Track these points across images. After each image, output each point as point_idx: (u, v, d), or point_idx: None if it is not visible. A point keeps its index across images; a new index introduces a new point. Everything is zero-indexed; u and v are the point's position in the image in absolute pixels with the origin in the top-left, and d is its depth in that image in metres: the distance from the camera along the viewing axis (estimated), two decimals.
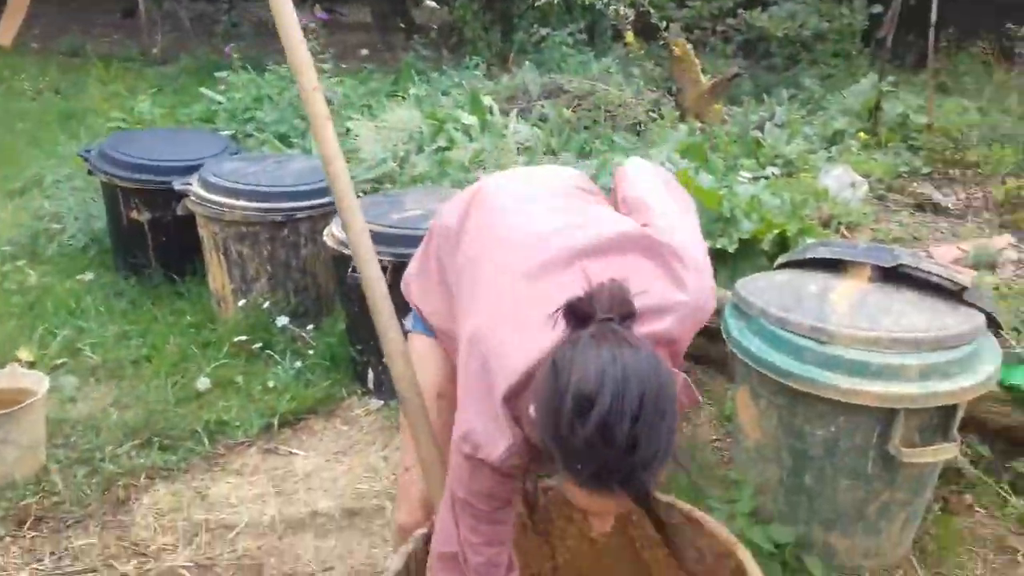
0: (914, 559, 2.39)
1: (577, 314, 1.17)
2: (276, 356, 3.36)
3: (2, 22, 11.22)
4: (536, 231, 1.44)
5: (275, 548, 2.50)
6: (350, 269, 2.99)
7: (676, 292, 1.37)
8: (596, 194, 1.68)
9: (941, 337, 2.04)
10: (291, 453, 2.95)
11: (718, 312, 3.14)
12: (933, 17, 5.62)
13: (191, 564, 2.43)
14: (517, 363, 1.27)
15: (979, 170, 5.44)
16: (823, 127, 5.85)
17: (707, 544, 1.69)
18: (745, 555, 1.59)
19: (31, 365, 3.38)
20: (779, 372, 2.14)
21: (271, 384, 3.22)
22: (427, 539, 1.63)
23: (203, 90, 6.79)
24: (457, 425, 1.39)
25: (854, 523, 2.24)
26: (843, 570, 2.31)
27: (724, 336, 2.36)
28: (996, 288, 3.38)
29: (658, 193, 1.61)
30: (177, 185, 3.53)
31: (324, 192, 3.41)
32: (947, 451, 2.12)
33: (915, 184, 5.14)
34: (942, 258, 3.86)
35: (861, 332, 2.05)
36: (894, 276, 2.22)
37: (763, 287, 2.34)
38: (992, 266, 3.75)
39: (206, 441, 2.95)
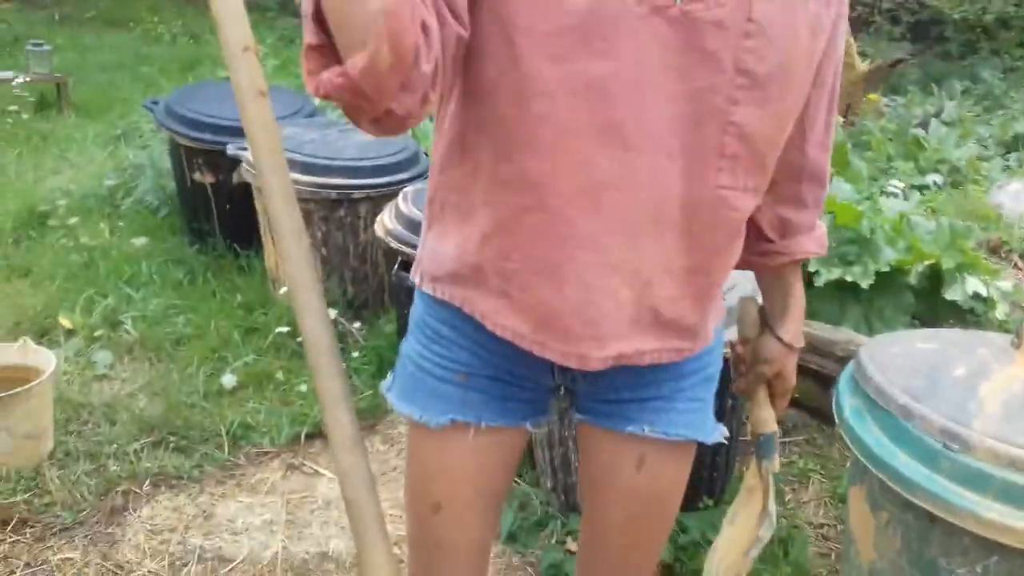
0: None
1: None
2: None
3: None
4: None
5: None
6: (395, 266, 2.56)
7: None
8: None
9: None
10: (316, 472, 2.57)
11: (833, 359, 2.56)
12: None
13: None
14: None
15: None
16: (1002, 129, 5.01)
17: None
18: None
19: (69, 333, 3.15)
20: (902, 481, 1.56)
21: (306, 387, 2.84)
22: None
23: None
24: None
25: None
26: None
27: (835, 416, 1.78)
28: None
29: None
30: (231, 150, 3.18)
31: (390, 170, 2.99)
32: None
33: None
34: None
35: (1009, 448, 1.46)
36: None
37: (896, 356, 1.74)
38: None
39: (226, 447, 2.61)
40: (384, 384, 1.24)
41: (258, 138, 1.09)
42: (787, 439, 2.61)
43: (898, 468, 1.59)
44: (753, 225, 1.17)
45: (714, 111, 0.94)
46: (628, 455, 1.18)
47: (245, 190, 3.36)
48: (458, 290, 1.08)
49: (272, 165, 1.10)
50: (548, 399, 1.21)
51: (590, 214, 0.96)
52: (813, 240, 1.22)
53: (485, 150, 0.98)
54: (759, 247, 1.20)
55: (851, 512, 1.86)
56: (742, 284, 1.92)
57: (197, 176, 3.55)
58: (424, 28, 0.82)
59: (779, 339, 1.26)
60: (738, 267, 1.22)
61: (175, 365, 2.98)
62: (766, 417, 1.36)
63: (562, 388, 1.19)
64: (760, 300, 1.34)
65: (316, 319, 1.10)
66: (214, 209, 3.61)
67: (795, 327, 1.27)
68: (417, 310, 1.18)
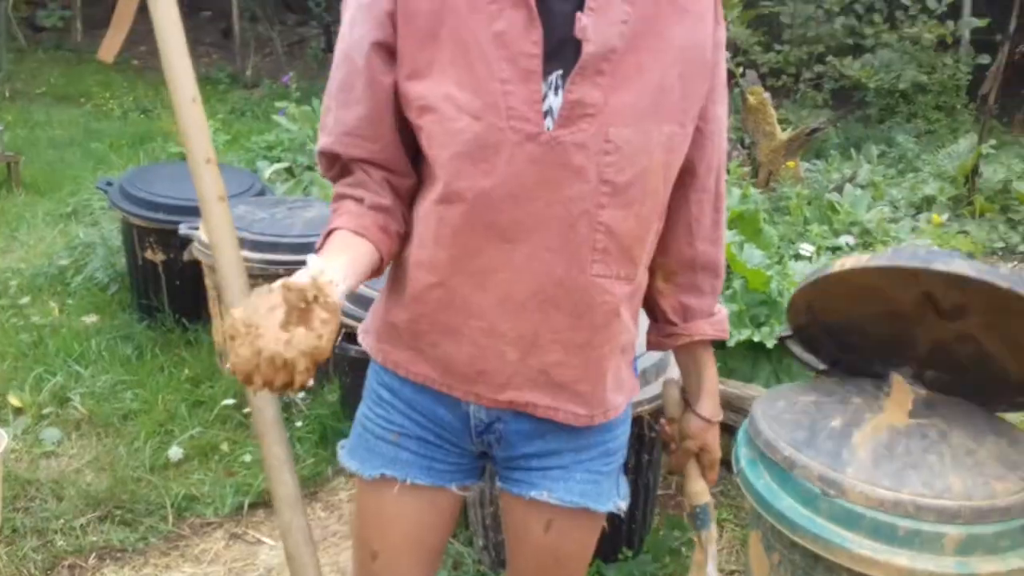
0: None
1: None
2: None
3: (105, 38, 11.56)
4: None
5: None
6: (339, 337, 2.71)
7: None
8: None
9: (983, 509, 1.61)
10: (258, 540, 2.67)
11: (745, 414, 2.75)
12: None
13: None
14: None
15: None
16: (912, 191, 5.34)
17: None
18: None
19: (18, 412, 3.23)
20: (787, 523, 1.75)
21: (251, 457, 2.95)
22: None
23: (276, 117, 6.72)
24: None
25: None
26: None
27: (734, 466, 1.97)
28: None
29: None
30: (182, 230, 3.32)
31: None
32: None
33: (1013, 264, 4.60)
34: None
35: (880, 491, 1.65)
36: (943, 407, 1.80)
37: (782, 410, 1.93)
38: None
39: (171, 518, 2.69)
40: (340, 442, 1.43)
41: (219, 240, 1.33)
42: None
43: (784, 512, 1.77)
44: (660, 310, 1.37)
45: (584, 213, 1.14)
46: (537, 518, 1.34)
47: (194, 267, 3.50)
48: (381, 344, 1.30)
49: (230, 259, 1.33)
50: (475, 464, 1.37)
51: (480, 292, 1.17)
52: (711, 324, 1.37)
53: (411, 239, 1.23)
54: (665, 330, 1.38)
55: (751, 555, 2.02)
56: (673, 369, 2.12)
57: (148, 254, 3.67)
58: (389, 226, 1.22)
59: (698, 415, 1.42)
60: (650, 348, 1.42)
61: (122, 440, 3.06)
62: (699, 490, 1.49)
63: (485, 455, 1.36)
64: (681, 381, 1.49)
65: (265, 399, 1.31)
66: (164, 286, 3.73)
67: (711, 402, 1.42)
68: (368, 377, 1.37)
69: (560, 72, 1.11)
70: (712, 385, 1.43)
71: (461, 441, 1.32)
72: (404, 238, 1.25)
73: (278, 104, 7.01)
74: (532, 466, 1.32)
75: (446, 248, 1.17)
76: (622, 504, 1.37)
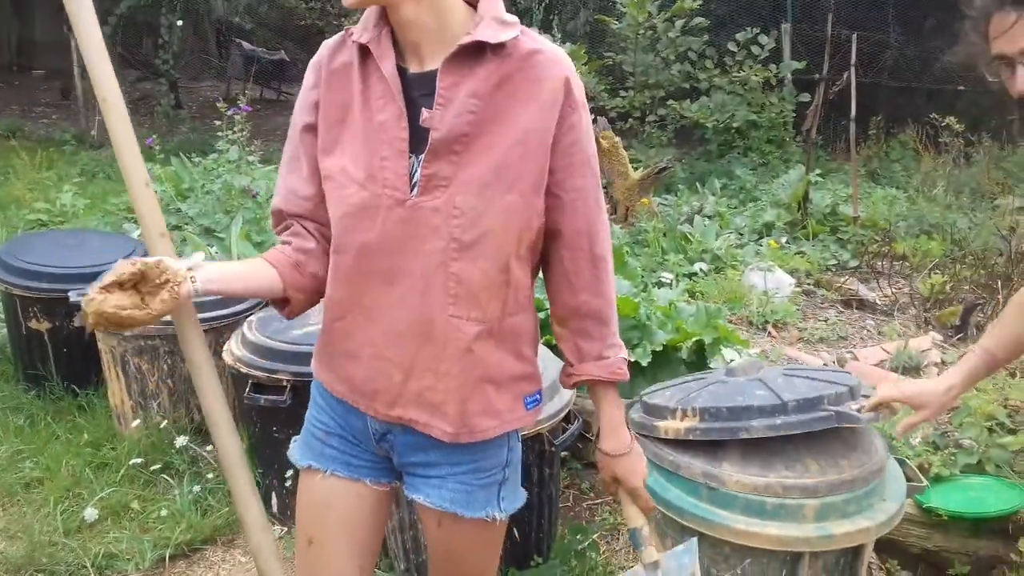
0: None
1: None
2: (174, 480, 3.17)
3: None
4: None
5: None
6: (247, 388, 2.85)
7: None
8: None
9: (835, 483, 1.97)
10: None
11: None
12: (852, 112, 5.75)
13: None
14: None
15: (907, 262, 5.50)
16: (753, 219, 5.89)
17: None
18: None
19: None
20: (675, 510, 2.06)
21: (166, 511, 3.02)
22: None
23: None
24: None
25: None
26: None
27: None
28: None
29: None
30: (73, 296, 3.37)
31: (227, 303, 3.29)
32: None
33: (844, 278, 5.17)
34: (867, 360, 3.83)
35: (751, 478, 1.98)
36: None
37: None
38: (916, 369, 3.72)
39: None
40: (293, 437, 1.68)
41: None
42: (598, 500, 3.08)
43: (670, 500, 2.08)
44: (560, 352, 1.61)
45: (440, 265, 1.40)
46: (430, 515, 1.59)
47: (83, 333, 3.54)
48: (315, 364, 1.60)
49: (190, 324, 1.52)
50: (387, 466, 1.61)
51: (370, 323, 1.46)
52: (599, 367, 1.54)
53: (329, 282, 1.52)
54: (566, 370, 1.61)
55: None
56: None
57: (33, 324, 3.67)
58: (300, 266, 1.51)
59: (599, 449, 1.63)
60: (563, 386, 1.66)
61: (30, 507, 3.07)
62: (631, 514, 1.65)
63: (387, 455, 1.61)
64: None
65: (228, 436, 1.52)
66: (51, 353, 3.73)
67: (610, 438, 1.59)
68: (312, 385, 1.65)
69: (425, 152, 1.37)
70: (610, 422, 1.59)
71: (369, 445, 1.58)
72: (322, 279, 1.53)
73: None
74: (418, 473, 1.57)
75: (342, 288, 1.47)
76: (496, 514, 1.55)
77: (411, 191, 1.37)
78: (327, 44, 1.50)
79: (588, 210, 1.47)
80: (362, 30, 1.41)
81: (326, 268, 1.50)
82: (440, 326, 1.41)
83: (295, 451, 1.65)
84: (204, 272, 1.39)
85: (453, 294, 1.40)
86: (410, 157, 1.37)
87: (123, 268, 1.31)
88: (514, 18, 1.40)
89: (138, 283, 1.33)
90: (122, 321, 1.32)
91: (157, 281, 1.33)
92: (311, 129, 1.48)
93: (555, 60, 1.40)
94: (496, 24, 1.37)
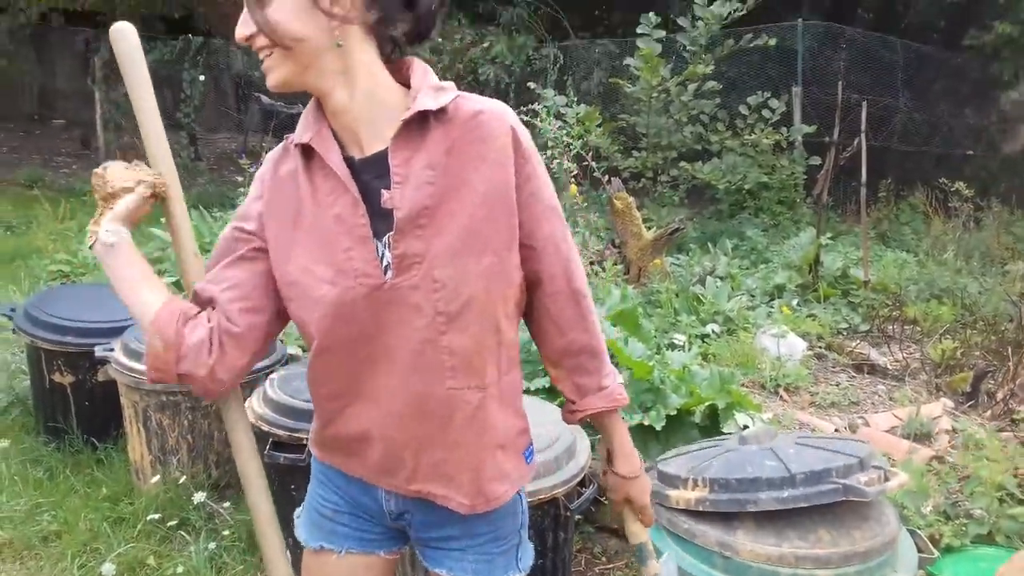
0: None
1: None
2: (190, 536, 3.20)
3: None
4: None
5: None
6: (268, 447, 2.90)
7: None
8: None
9: (848, 554, 2.00)
10: None
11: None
12: (863, 177, 5.82)
13: None
14: None
15: (918, 326, 5.53)
16: (764, 280, 5.94)
17: None
18: None
19: None
20: None
21: (183, 568, 3.05)
22: None
23: (154, 230, 6.75)
24: None
25: None
26: None
27: None
28: (930, 463, 3.35)
29: None
30: (99, 352, 3.44)
31: None
32: None
33: (855, 342, 5.20)
34: (878, 427, 3.85)
35: (765, 548, 2.01)
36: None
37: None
38: (928, 436, 3.74)
39: None
40: (296, 511, 1.71)
41: None
42: (610, 565, 3.09)
43: (686, 570, 2.10)
44: (561, 392, 1.65)
45: (430, 340, 1.39)
46: None
47: (104, 387, 3.60)
48: (325, 452, 1.60)
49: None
50: (396, 535, 1.65)
51: (373, 407, 1.46)
52: (601, 398, 1.58)
53: (312, 380, 1.52)
54: (568, 407, 1.65)
55: None
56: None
57: (56, 377, 3.74)
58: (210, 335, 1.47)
59: (615, 473, 1.67)
60: (566, 422, 1.70)
61: (47, 562, 3.10)
62: (635, 531, 1.74)
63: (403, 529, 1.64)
64: None
65: (259, 494, 1.57)
66: (72, 407, 3.79)
67: (624, 461, 1.64)
68: (312, 463, 1.67)
69: (391, 233, 1.36)
70: (622, 447, 1.64)
71: (381, 517, 1.61)
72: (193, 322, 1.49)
73: (157, 215, 7.03)
74: (438, 546, 1.59)
75: (339, 381, 1.45)
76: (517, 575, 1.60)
77: (385, 274, 1.37)
78: (270, 156, 1.52)
79: (560, 252, 1.50)
80: (302, 131, 1.43)
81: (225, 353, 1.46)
82: (440, 399, 1.41)
83: (302, 531, 1.66)
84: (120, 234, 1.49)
85: (450, 367, 1.40)
86: (373, 242, 1.38)
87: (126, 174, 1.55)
88: (450, 83, 1.42)
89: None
90: (105, 193, 1.52)
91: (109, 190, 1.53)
92: (245, 234, 1.48)
93: (498, 116, 1.41)
94: (432, 92, 1.38)
